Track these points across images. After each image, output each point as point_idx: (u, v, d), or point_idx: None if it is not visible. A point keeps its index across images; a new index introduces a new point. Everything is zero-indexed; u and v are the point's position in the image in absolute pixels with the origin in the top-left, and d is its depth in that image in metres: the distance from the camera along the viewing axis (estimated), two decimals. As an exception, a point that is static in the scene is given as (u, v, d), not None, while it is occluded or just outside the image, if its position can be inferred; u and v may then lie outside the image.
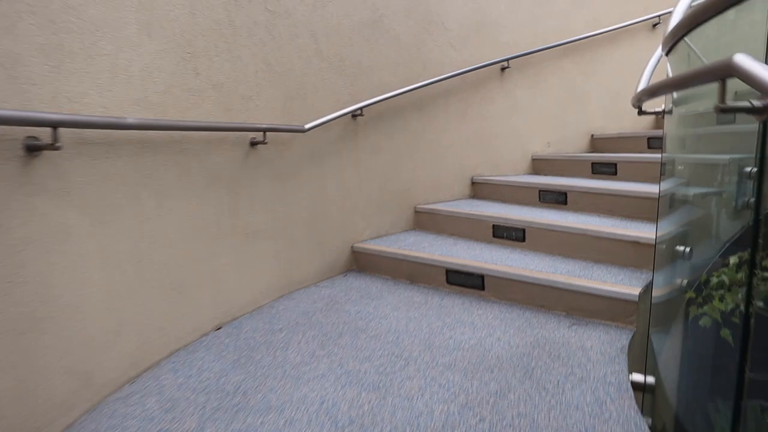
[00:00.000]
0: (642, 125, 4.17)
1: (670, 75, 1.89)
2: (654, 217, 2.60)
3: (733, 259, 2.14)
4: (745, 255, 2.08)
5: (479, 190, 3.68)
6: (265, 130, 2.21)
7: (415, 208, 3.39)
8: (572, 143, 4.07)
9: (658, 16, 4.03)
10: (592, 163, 3.41)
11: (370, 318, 2.26)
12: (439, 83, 3.33)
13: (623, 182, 3.11)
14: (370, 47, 2.97)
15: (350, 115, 2.85)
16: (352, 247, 2.98)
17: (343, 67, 2.80)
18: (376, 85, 3.01)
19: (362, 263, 2.96)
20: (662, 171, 2.15)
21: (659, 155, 3.14)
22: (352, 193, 2.97)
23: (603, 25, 3.96)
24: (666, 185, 2.20)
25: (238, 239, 2.27)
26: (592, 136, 4.09)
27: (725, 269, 2.17)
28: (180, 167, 1.96)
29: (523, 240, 2.79)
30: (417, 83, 3.19)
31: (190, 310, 2.07)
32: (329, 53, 2.71)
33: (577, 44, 3.94)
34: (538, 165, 3.90)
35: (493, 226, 2.92)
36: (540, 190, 3.22)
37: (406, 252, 2.77)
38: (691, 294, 1.90)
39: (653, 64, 2.31)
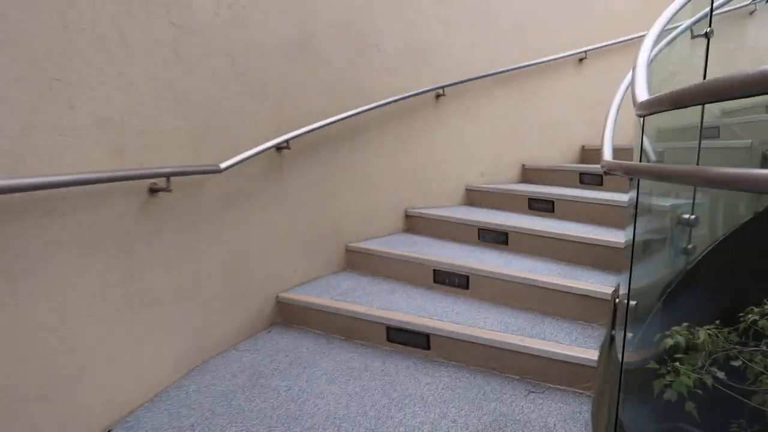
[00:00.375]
0: (569, 158, 4.21)
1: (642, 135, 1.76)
2: (602, 264, 2.51)
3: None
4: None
5: (414, 223, 3.45)
6: (168, 175, 1.79)
7: (346, 246, 3.07)
8: (505, 173, 3.99)
9: (585, 51, 4.10)
10: (529, 199, 3.31)
11: (304, 398, 1.90)
12: (373, 111, 3.06)
13: (562, 222, 3.02)
14: (298, 71, 2.62)
15: (275, 148, 2.48)
16: (277, 297, 2.60)
17: (266, 94, 2.44)
18: (305, 114, 2.67)
19: (290, 315, 2.59)
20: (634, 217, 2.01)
21: (596, 194, 3.11)
22: (277, 235, 2.60)
23: (535, 57, 3.93)
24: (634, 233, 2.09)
25: (133, 310, 1.82)
26: (523, 166, 4.04)
27: (677, 329, 2.09)
28: (44, 235, 1.48)
29: (467, 287, 2.58)
30: (350, 111, 2.90)
31: (66, 419, 1.59)
32: (250, 77, 2.33)
33: (510, 74, 3.87)
34: (473, 196, 3.76)
35: (434, 271, 2.69)
36: (479, 229, 3.04)
37: (340, 305, 2.44)
38: (653, 365, 1.78)
39: (613, 117, 2.22)
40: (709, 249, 2.30)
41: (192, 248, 2.07)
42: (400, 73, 3.31)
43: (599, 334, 2.14)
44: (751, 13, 3.72)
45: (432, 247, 2.99)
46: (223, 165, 2.06)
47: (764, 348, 1.84)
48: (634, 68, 1.77)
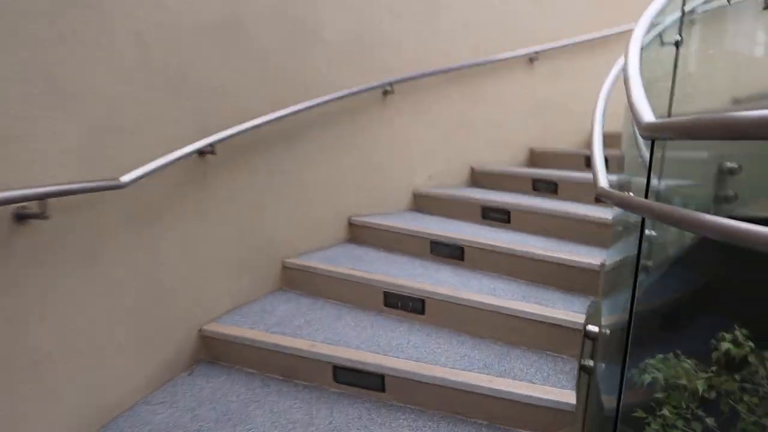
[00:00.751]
0: (518, 160, 4.06)
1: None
2: (569, 287, 2.32)
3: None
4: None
5: (359, 233, 3.12)
6: (43, 197, 1.33)
7: (283, 262, 2.70)
8: (453, 176, 3.76)
9: (536, 52, 3.95)
10: (483, 208, 3.09)
11: (232, 472, 1.53)
12: (314, 108, 2.69)
13: (520, 234, 2.82)
14: (226, 59, 2.20)
15: (196, 153, 2.05)
16: (200, 330, 2.18)
17: (185, 87, 2.00)
18: (234, 112, 2.25)
19: (216, 351, 2.18)
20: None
21: (553, 204, 2.93)
22: (200, 256, 2.18)
23: (486, 55, 3.72)
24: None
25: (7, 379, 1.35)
26: (473, 169, 3.84)
27: (653, 361, 1.94)
28: None
29: (423, 312, 2.30)
30: (287, 108, 2.51)
31: None
32: (164, 65, 1.89)
33: (461, 72, 3.62)
34: (421, 202, 3.49)
35: (385, 293, 2.39)
36: (432, 241, 2.77)
37: (277, 339, 2.07)
38: (640, 414, 1.60)
39: (600, 132, 2.01)
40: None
41: (83, 287, 1.62)
42: (344, 66, 2.95)
43: (571, 368, 1.94)
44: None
45: (380, 263, 2.68)
46: (125, 178, 1.61)
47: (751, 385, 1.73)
48: (626, 71, 1.55)
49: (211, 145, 2.09)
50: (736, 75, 3.93)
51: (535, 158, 4.04)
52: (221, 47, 2.17)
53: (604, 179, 1.52)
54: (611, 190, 1.43)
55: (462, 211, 3.22)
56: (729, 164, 2.59)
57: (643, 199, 1.13)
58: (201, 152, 2.09)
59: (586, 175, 3.21)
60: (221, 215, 2.28)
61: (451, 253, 2.69)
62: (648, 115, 1.28)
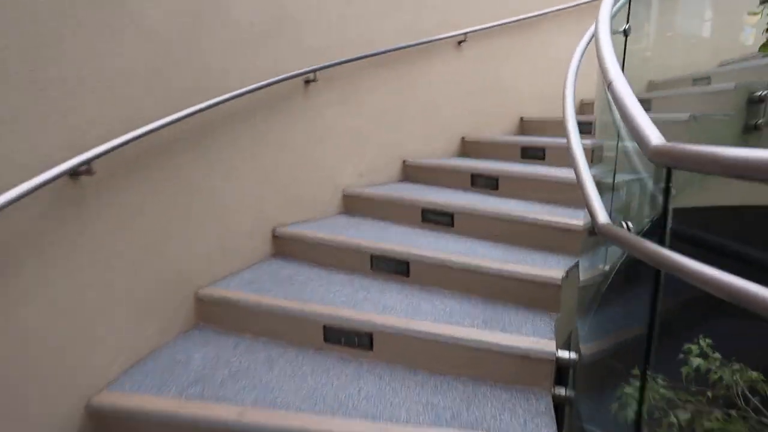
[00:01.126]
0: (450, 150, 3.82)
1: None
2: (525, 303, 2.11)
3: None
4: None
5: (285, 247, 2.71)
6: None
7: (197, 294, 2.23)
8: (385, 172, 3.44)
9: (464, 33, 3.68)
10: (423, 210, 2.81)
11: None
12: (224, 105, 2.21)
13: (465, 241, 2.57)
14: (103, 45, 1.66)
15: (68, 174, 1.52)
16: (87, 406, 1.68)
17: (47, 85, 1.45)
18: (121, 117, 1.73)
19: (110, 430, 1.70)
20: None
21: (497, 204, 2.71)
22: (80, 304, 1.67)
23: (413, 36, 3.38)
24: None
25: None
26: (405, 162, 3.54)
27: (630, 389, 1.79)
28: None
29: (371, 348, 1.98)
30: (191, 107, 2.01)
31: None
32: (13, 56, 1.33)
33: (390, 56, 3.26)
34: (352, 203, 3.14)
35: (325, 327, 2.03)
36: (372, 256, 2.44)
37: (195, 410, 1.64)
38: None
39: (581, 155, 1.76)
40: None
41: None
42: (258, 52, 2.48)
43: (546, 404, 1.73)
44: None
45: (315, 284, 2.31)
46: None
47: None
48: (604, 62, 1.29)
49: (87, 163, 1.56)
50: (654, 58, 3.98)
51: (467, 148, 3.83)
52: (94, 29, 1.62)
53: (603, 214, 1.26)
54: (621, 230, 1.17)
55: (400, 214, 2.91)
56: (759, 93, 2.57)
57: (677, 256, 0.88)
58: (74, 173, 1.56)
59: (528, 169, 3.04)
60: (110, 249, 1.77)
61: (396, 268, 2.39)
62: (655, 137, 1.02)
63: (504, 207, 2.68)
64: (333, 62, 2.87)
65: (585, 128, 3.64)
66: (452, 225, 2.70)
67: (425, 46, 3.48)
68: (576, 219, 2.39)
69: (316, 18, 2.81)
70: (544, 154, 3.26)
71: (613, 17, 2.26)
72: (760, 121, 2.74)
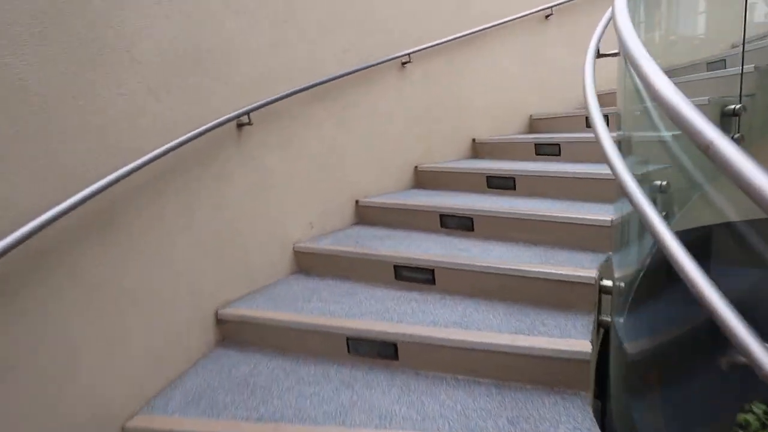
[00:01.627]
0: (403, 184, 3.43)
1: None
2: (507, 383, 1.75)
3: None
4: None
5: (233, 333, 2.19)
6: None
7: (123, 429, 1.66)
8: (337, 217, 2.99)
9: (408, 54, 3.34)
10: (396, 267, 2.39)
11: None
12: (134, 174, 1.67)
13: (452, 306, 2.18)
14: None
15: None
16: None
17: None
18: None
19: None
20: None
21: (479, 254, 2.36)
22: None
23: (355, 62, 2.98)
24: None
25: None
26: (358, 203, 3.11)
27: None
28: None
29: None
30: (91, 184, 1.47)
31: None
32: None
33: (331, 85, 2.83)
34: (307, 261, 2.66)
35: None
36: (349, 338, 1.98)
37: None
38: None
39: None
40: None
41: None
42: (174, 92, 1.95)
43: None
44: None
45: (282, 389, 1.81)
46: None
47: None
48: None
49: None
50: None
51: (422, 179, 3.48)
52: None
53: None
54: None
55: (364, 271, 2.48)
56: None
57: None
58: None
59: (501, 203, 2.73)
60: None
61: (380, 352, 1.95)
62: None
63: (490, 261, 2.33)
64: (267, 100, 2.40)
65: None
66: (433, 282, 2.31)
67: (368, 71, 3.08)
68: (565, 267, 2.09)
69: (245, 46, 2.32)
70: (515, 183, 2.97)
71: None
72: (735, 135, 2.64)
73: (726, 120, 2.65)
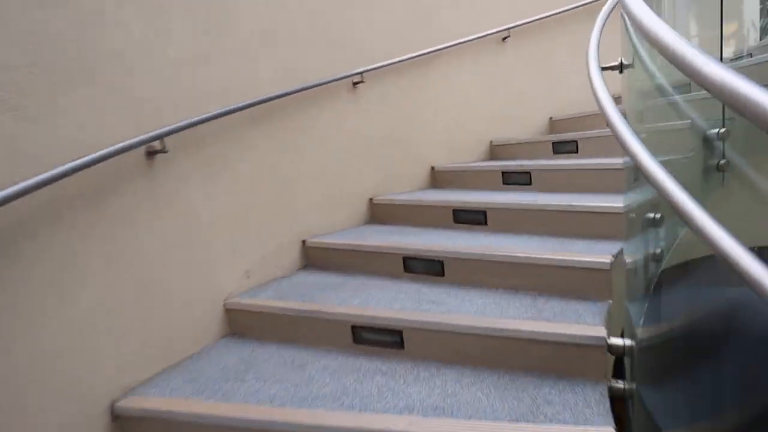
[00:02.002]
0: (357, 219, 2.99)
1: None
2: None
3: None
4: None
5: (134, 429, 1.62)
6: None
7: None
8: (280, 262, 2.49)
9: (360, 73, 2.95)
10: (352, 327, 1.92)
11: None
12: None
13: (424, 372, 1.73)
14: None
15: None
16: None
17: None
18: None
19: None
20: None
21: (460, 319, 1.94)
22: None
23: (301, 80, 2.55)
24: None
25: None
26: (305, 243, 2.63)
27: None
28: None
29: None
30: None
31: None
32: None
33: (271, 107, 2.37)
34: (242, 321, 2.14)
35: None
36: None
37: None
38: None
39: None
40: None
41: None
42: (53, 116, 1.43)
43: None
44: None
45: None
46: None
47: None
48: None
49: None
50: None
51: (377, 212, 3.05)
52: None
53: None
54: None
55: (317, 335, 1.99)
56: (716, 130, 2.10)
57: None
58: None
59: (471, 243, 2.33)
60: None
61: (337, 453, 1.45)
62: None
63: (463, 310, 1.92)
64: (187, 122, 1.90)
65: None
66: (402, 346, 1.86)
67: (317, 91, 2.66)
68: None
69: (157, 61, 1.83)
70: (486, 217, 2.60)
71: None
72: (720, 161, 2.42)
73: (709, 145, 2.44)
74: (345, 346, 1.93)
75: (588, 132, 3.29)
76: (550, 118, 4.15)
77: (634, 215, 1.89)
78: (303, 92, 2.57)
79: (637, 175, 1.83)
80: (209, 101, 2.06)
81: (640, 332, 1.58)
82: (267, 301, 2.14)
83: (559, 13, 4.05)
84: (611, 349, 1.63)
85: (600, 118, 3.67)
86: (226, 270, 2.19)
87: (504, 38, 3.88)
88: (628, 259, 1.91)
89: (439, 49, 3.36)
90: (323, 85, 2.69)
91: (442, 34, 3.44)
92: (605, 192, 2.50)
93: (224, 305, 2.15)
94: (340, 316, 1.95)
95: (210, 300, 2.10)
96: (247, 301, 2.14)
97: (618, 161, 2.71)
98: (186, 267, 1.97)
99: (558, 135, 3.51)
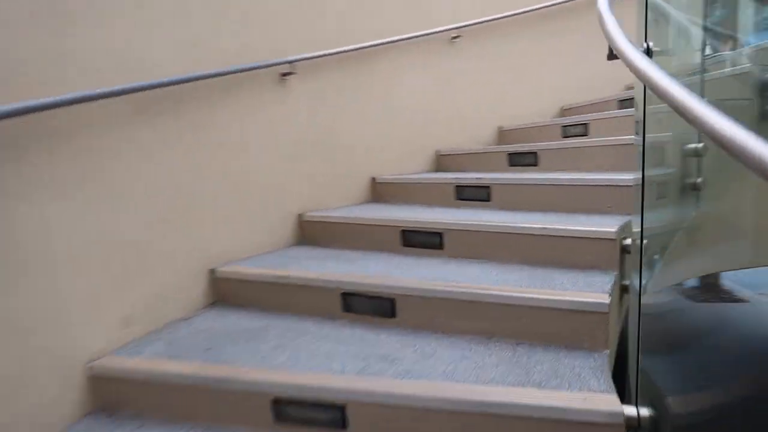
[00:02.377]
0: (284, 241, 2.42)
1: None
2: None
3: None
4: None
5: None
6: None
7: None
8: (180, 296, 1.89)
9: (290, 62, 2.41)
10: (274, 401, 1.36)
11: None
12: None
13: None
14: None
15: None
16: None
17: None
18: None
19: None
20: None
21: (425, 388, 1.45)
22: None
23: (212, 63, 1.97)
24: None
25: None
26: (213, 273, 2.03)
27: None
28: None
29: None
30: None
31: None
32: None
33: (168, 94, 1.78)
34: (114, 389, 1.51)
35: None
36: None
37: None
38: None
39: None
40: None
41: None
42: None
43: None
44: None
45: None
46: None
47: None
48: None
49: None
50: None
51: (309, 232, 2.51)
52: None
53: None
54: None
55: (224, 413, 1.41)
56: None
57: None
58: None
59: (427, 274, 1.85)
60: None
61: None
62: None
63: (426, 372, 1.44)
64: (29, 104, 1.28)
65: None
66: (343, 426, 1.33)
67: (233, 78, 2.09)
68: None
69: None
70: (442, 240, 2.14)
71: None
72: (698, 180, 2.16)
73: (688, 162, 2.17)
74: (263, 426, 1.37)
75: (550, 143, 2.96)
76: (500, 127, 3.83)
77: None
78: (215, 79, 2.00)
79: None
80: (74, 80, 1.44)
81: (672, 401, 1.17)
82: (153, 361, 1.53)
83: (514, 15, 3.75)
84: (628, 423, 1.22)
85: (555, 128, 3.38)
86: (94, 318, 1.55)
87: (453, 37, 3.51)
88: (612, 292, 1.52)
89: (384, 43, 2.89)
90: (243, 73, 2.13)
91: (391, 26, 2.99)
92: (580, 212, 2.15)
93: (88, 370, 1.51)
94: (259, 384, 1.39)
95: (69, 365, 1.46)
96: (121, 363, 1.52)
97: (589, 176, 2.38)
98: (29, 318, 1.33)
99: (514, 146, 3.16)
